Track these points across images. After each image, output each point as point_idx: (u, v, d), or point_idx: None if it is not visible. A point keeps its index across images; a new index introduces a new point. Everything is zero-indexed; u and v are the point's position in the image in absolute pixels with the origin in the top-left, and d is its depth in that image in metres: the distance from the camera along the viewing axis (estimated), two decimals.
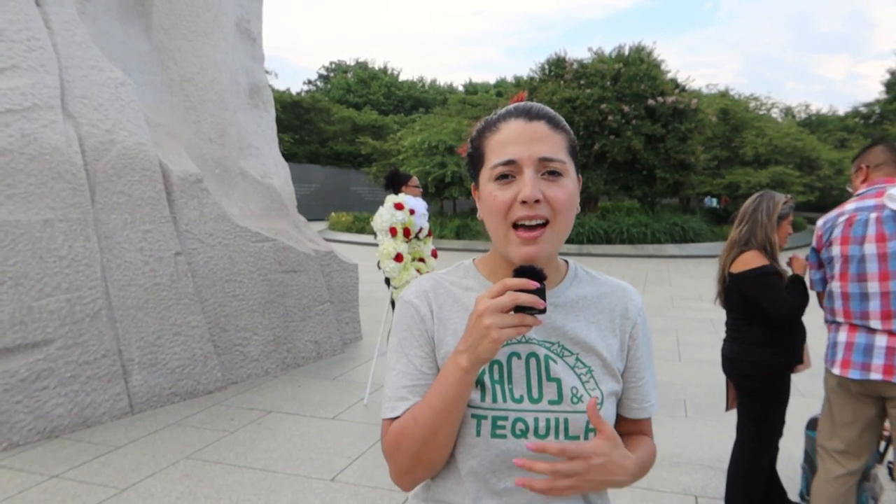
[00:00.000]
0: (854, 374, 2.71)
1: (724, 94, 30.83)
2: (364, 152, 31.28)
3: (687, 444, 4.41)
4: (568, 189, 1.05)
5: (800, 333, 3.19)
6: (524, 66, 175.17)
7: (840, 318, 2.83)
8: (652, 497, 3.66)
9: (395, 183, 5.40)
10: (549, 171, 1.04)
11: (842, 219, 2.81)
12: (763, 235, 3.19)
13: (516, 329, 0.96)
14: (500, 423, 1.07)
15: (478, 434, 1.07)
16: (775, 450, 3.34)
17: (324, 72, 59.31)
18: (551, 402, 1.08)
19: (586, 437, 1.08)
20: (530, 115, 1.07)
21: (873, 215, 2.70)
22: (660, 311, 9.77)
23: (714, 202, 27.87)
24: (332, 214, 27.97)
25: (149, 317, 4.84)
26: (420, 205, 4.99)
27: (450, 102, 34.66)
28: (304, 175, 33.87)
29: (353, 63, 58.62)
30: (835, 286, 2.83)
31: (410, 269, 4.82)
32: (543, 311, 0.96)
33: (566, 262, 1.22)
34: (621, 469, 1.03)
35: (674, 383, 5.82)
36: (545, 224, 1.03)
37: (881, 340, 2.65)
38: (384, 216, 4.76)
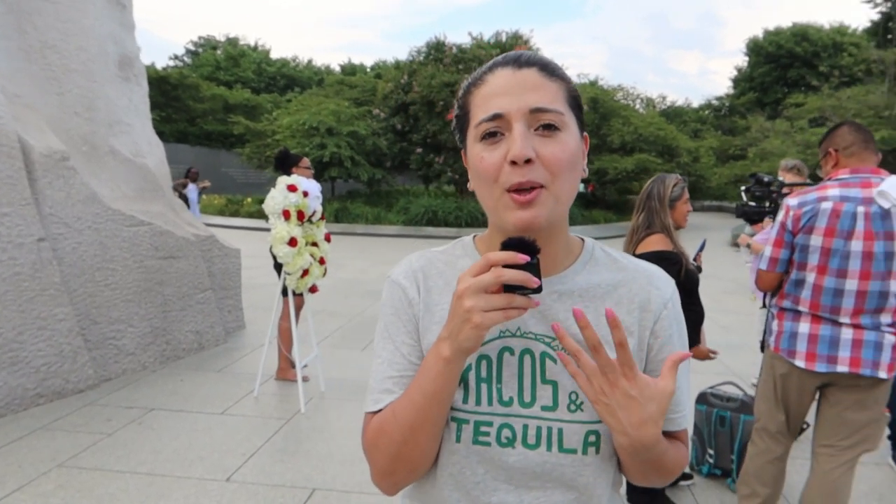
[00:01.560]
0: (821, 367, 2.67)
1: (593, 84, 32.19)
2: (236, 132, 29.86)
3: None
4: (568, 146, 0.89)
5: (699, 315, 3.32)
6: (400, 49, 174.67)
7: (803, 308, 2.75)
8: None
9: (286, 164, 5.15)
10: (544, 125, 0.89)
11: (825, 205, 2.64)
12: (659, 221, 3.24)
13: (504, 312, 0.82)
14: (483, 428, 0.94)
15: (458, 440, 0.95)
16: None
17: (191, 47, 56.07)
18: (545, 408, 0.94)
19: (585, 452, 0.94)
20: (519, 62, 0.92)
21: (861, 209, 2.57)
22: None
23: (581, 188, 29.04)
24: (203, 197, 26.59)
25: (8, 310, 4.33)
26: (314, 187, 4.78)
27: (327, 83, 33.82)
28: (172, 155, 31.67)
29: (222, 39, 55.87)
30: (808, 277, 2.71)
31: (305, 253, 4.61)
32: (539, 290, 0.81)
33: (583, 240, 1.06)
34: (638, 422, 0.84)
35: None
36: (541, 186, 0.88)
37: (847, 333, 2.63)
38: (276, 198, 4.51)
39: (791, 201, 2.77)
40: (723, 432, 3.87)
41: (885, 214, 2.53)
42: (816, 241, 2.66)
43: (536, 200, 0.87)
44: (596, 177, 25.43)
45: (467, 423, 0.94)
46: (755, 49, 39.17)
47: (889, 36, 24.36)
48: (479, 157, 0.91)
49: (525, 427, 0.94)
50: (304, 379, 5.23)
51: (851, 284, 2.60)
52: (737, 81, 43.11)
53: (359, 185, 25.12)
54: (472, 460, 0.95)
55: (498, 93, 0.90)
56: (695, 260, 3.59)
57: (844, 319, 2.63)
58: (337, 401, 4.89)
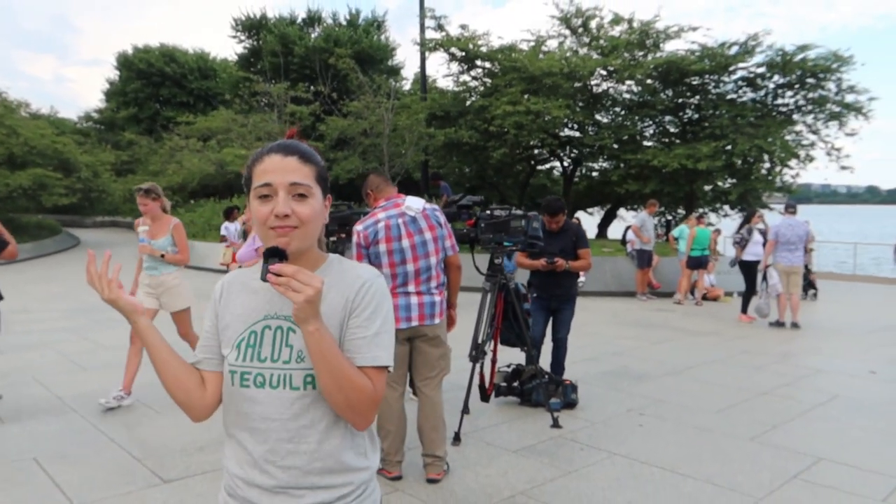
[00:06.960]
0: (403, 325, 3.96)
1: None
2: None
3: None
4: (313, 207, 1.41)
5: None
6: None
7: (390, 291, 3.94)
8: None
9: None
10: (298, 194, 1.39)
11: (380, 225, 3.97)
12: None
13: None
14: (245, 376, 1.44)
15: (232, 384, 1.46)
16: None
17: None
18: (284, 362, 1.43)
19: (305, 388, 1.42)
20: (287, 151, 1.42)
21: (401, 220, 3.99)
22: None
23: None
24: None
25: None
26: None
27: None
28: None
29: None
30: (385, 270, 3.95)
31: None
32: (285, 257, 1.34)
33: (328, 256, 1.56)
34: (300, 288, 1.26)
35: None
36: (295, 227, 1.39)
37: (415, 299, 4.00)
38: None
39: (358, 227, 4.07)
40: None
41: (413, 220, 4.00)
42: (383, 247, 3.98)
43: (291, 234, 1.39)
44: None
45: (236, 373, 1.45)
46: (126, 64, 38.61)
47: (252, 69, 27.82)
48: (258, 209, 1.41)
49: (271, 374, 1.43)
50: None
51: (411, 266, 4.00)
52: (110, 95, 41.84)
53: None
54: (239, 398, 1.45)
55: (270, 170, 1.40)
56: None
57: (412, 289, 4.02)
58: None
